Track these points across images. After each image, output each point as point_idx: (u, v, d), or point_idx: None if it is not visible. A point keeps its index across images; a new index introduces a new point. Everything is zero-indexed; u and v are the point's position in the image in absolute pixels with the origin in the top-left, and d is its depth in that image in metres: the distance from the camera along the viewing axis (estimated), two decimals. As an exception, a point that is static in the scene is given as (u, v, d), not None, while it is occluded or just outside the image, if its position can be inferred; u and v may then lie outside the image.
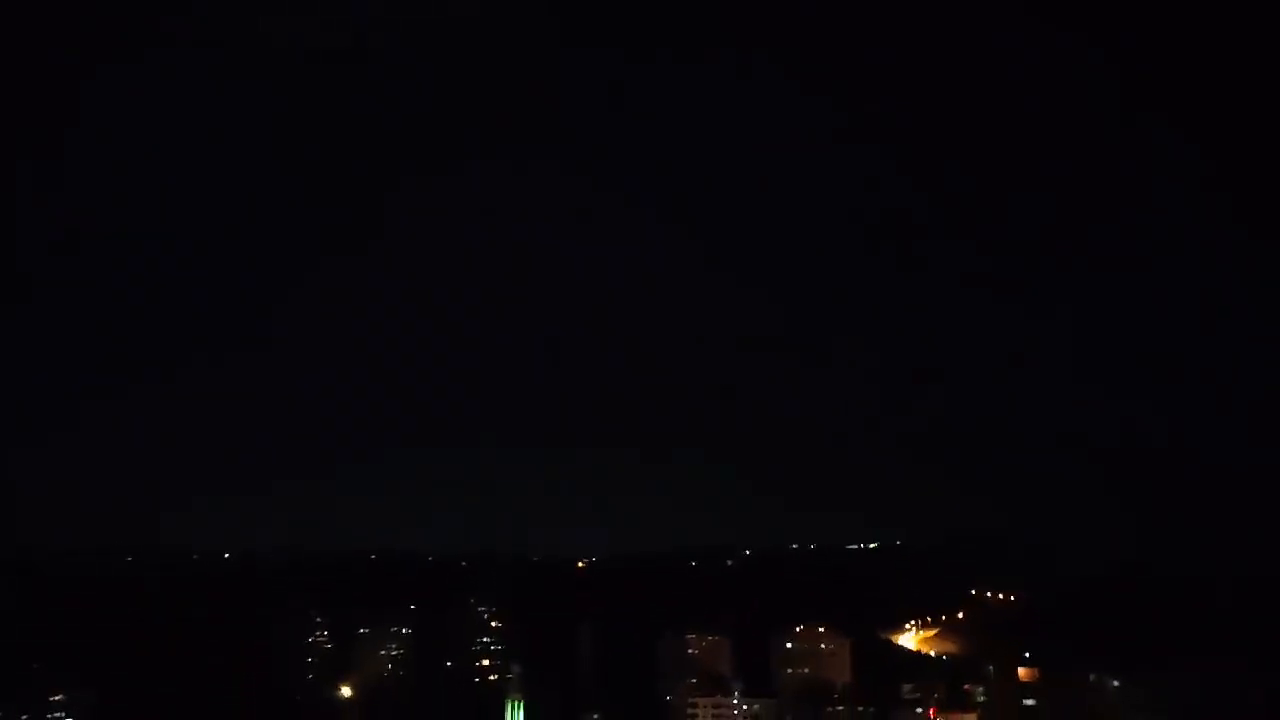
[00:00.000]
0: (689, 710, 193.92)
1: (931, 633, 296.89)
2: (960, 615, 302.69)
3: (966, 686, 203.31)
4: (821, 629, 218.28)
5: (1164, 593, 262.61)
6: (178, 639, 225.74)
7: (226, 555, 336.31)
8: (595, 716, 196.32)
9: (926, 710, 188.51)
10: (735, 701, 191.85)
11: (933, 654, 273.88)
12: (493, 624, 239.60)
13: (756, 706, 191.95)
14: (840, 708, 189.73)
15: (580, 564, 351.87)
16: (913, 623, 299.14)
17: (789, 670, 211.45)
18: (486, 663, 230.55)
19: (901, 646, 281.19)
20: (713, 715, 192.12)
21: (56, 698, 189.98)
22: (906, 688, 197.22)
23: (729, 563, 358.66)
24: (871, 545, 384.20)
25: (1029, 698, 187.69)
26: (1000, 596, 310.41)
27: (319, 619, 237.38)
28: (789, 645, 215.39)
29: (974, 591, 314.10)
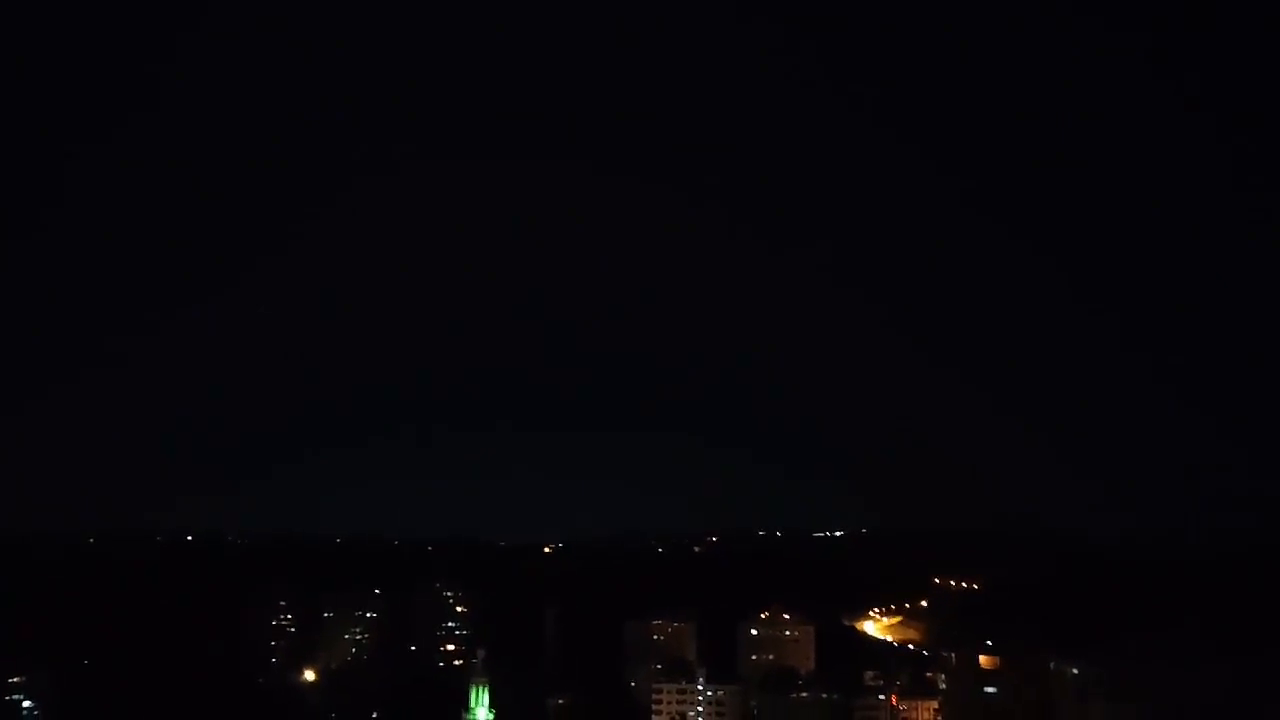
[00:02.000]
0: (653, 696, 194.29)
1: (894, 620, 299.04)
2: (923, 603, 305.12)
3: (928, 674, 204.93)
4: (786, 616, 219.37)
5: (1122, 577, 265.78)
6: (140, 621, 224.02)
7: (190, 538, 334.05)
8: (560, 701, 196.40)
9: (889, 697, 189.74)
10: (700, 688, 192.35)
11: (895, 641, 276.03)
12: (458, 608, 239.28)
13: (721, 693, 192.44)
14: (804, 694, 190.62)
15: (546, 549, 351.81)
16: (876, 610, 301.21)
17: (753, 657, 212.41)
18: (451, 647, 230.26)
19: (865, 633, 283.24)
20: (677, 701, 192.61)
21: (15, 679, 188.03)
22: (869, 675, 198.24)
23: (695, 549, 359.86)
24: (837, 533, 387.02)
25: (989, 685, 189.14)
26: (962, 584, 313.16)
27: (283, 602, 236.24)
28: (754, 632, 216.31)
29: (936, 579, 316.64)
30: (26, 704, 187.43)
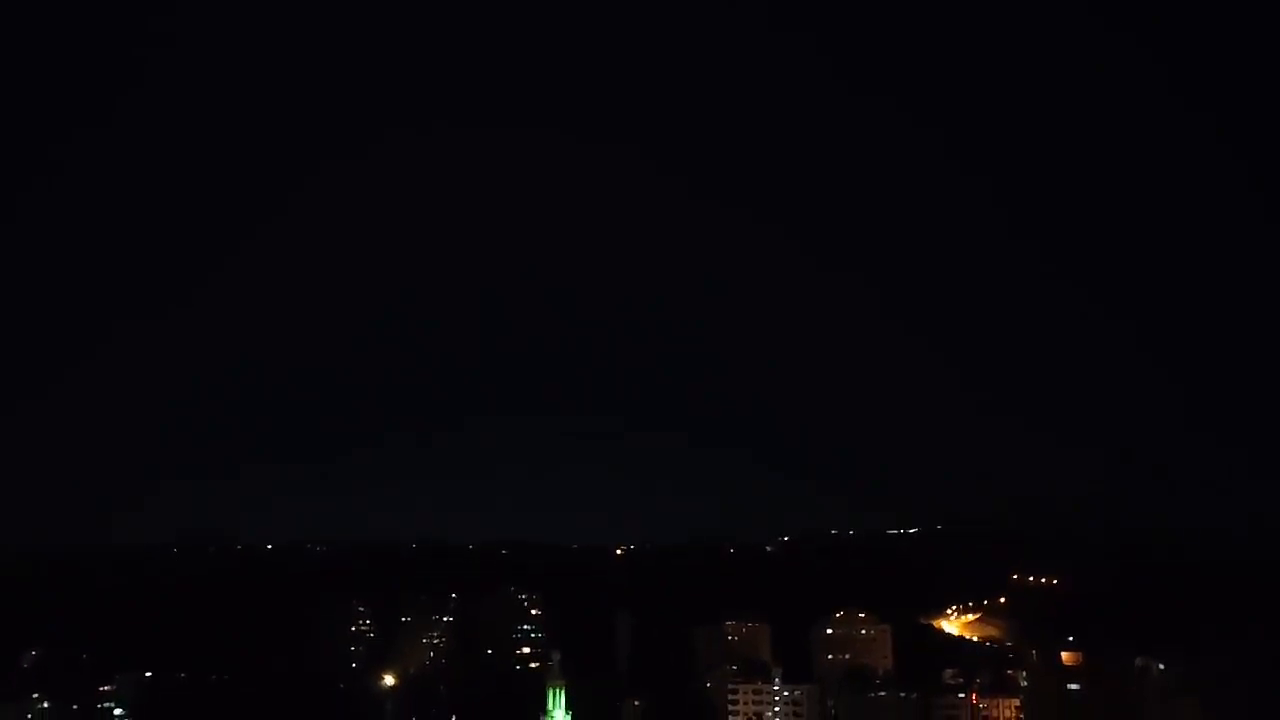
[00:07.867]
0: (729, 697, 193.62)
1: (973, 617, 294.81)
2: (1002, 599, 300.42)
3: (1009, 671, 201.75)
4: (862, 614, 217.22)
5: (1208, 573, 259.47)
6: (224, 628, 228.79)
7: (270, 546, 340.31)
8: (635, 703, 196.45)
9: (969, 696, 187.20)
10: (776, 688, 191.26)
11: (975, 639, 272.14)
12: (533, 611, 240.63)
13: (797, 693, 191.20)
14: (882, 694, 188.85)
15: (619, 551, 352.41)
16: (954, 607, 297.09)
17: (829, 656, 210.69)
18: (527, 650, 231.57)
19: (943, 631, 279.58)
20: (753, 702, 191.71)
21: (106, 687, 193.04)
22: (948, 673, 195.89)
23: (768, 549, 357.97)
24: (912, 530, 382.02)
25: (1073, 682, 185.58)
26: (1042, 580, 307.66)
27: (362, 608, 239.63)
28: (829, 631, 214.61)
29: (1015, 575, 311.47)
30: (118, 712, 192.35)
